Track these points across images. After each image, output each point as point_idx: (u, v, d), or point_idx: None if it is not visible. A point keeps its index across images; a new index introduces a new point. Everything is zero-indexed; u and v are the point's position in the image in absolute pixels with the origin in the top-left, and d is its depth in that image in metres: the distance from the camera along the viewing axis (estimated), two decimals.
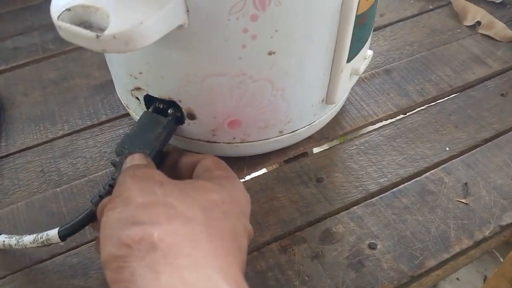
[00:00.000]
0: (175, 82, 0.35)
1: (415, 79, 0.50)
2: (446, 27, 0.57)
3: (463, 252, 0.37)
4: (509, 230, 0.38)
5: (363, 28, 0.37)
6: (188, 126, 0.38)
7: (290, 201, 0.40)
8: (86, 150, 0.44)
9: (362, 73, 0.45)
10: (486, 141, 0.44)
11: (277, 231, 0.38)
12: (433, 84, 0.50)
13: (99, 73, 0.51)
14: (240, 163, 0.42)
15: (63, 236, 0.32)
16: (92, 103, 0.48)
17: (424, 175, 0.42)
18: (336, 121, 0.45)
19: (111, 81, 0.44)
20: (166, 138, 0.35)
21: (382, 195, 0.40)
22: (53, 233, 0.32)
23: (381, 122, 0.46)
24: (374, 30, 0.56)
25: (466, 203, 0.39)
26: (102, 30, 0.27)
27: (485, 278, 0.95)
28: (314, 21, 0.32)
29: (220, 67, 0.33)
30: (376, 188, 0.40)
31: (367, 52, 0.42)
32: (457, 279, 0.96)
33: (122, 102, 0.44)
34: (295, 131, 0.40)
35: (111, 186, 0.31)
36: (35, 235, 0.33)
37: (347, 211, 0.39)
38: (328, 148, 0.44)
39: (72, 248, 0.37)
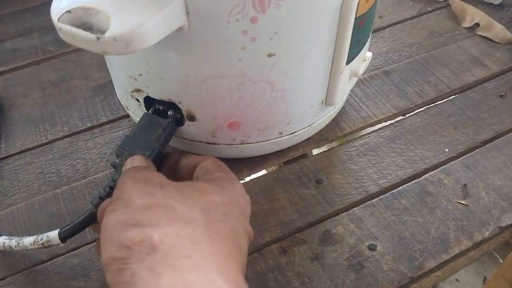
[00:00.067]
0: (175, 84, 0.35)
1: (414, 80, 0.50)
2: (445, 29, 0.57)
3: (462, 253, 0.37)
4: (508, 231, 0.39)
5: (363, 30, 0.37)
6: (188, 127, 0.38)
7: (290, 203, 0.40)
8: (86, 151, 0.44)
9: (362, 75, 0.45)
10: (485, 142, 0.44)
11: (277, 233, 0.38)
12: (432, 85, 0.50)
13: (98, 75, 0.51)
14: (240, 165, 0.42)
15: (63, 238, 0.32)
16: (92, 104, 0.48)
17: (423, 177, 0.42)
18: (335, 122, 0.46)
19: (111, 82, 0.44)
20: (166, 140, 0.35)
21: (382, 196, 0.40)
22: (54, 234, 0.32)
23: (381, 123, 0.47)
24: (373, 32, 0.56)
25: (466, 205, 0.40)
26: (102, 32, 0.27)
27: (484, 279, 0.96)
28: (313, 23, 0.33)
29: (220, 69, 0.33)
30: (375, 190, 0.41)
31: (366, 54, 0.42)
32: (457, 280, 0.97)
33: (122, 103, 0.44)
34: (294, 132, 0.40)
35: (111, 188, 0.31)
36: (35, 236, 0.33)
37: (347, 212, 0.39)
38: (328, 150, 0.44)
39: (72, 250, 0.37)
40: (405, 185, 0.41)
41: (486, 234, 0.38)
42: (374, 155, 0.43)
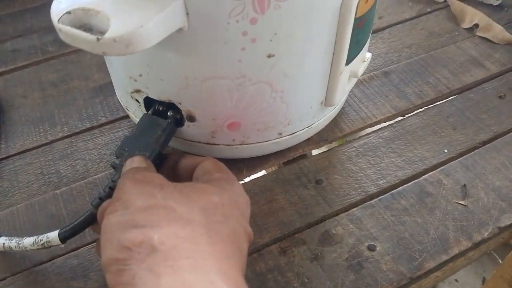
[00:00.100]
0: (175, 85, 0.35)
1: (413, 81, 0.50)
2: (444, 30, 0.57)
3: (461, 253, 0.37)
4: (507, 231, 0.39)
5: (362, 30, 0.37)
6: (188, 128, 0.38)
7: (289, 203, 0.40)
8: (85, 152, 0.44)
9: (361, 76, 0.45)
10: (484, 143, 0.44)
11: (276, 233, 0.38)
12: (431, 86, 0.50)
13: (98, 75, 0.51)
14: (239, 165, 0.42)
15: (63, 238, 0.32)
16: (92, 105, 0.48)
17: (422, 177, 0.42)
18: (335, 123, 0.46)
19: (111, 83, 0.44)
20: (166, 140, 0.35)
21: (381, 197, 0.40)
22: (54, 235, 0.32)
23: (380, 124, 0.47)
24: (373, 33, 0.56)
25: (465, 205, 0.40)
26: (102, 33, 0.27)
27: (483, 280, 0.96)
28: (313, 24, 0.33)
29: (219, 70, 0.33)
30: (375, 190, 0.41)
31: (365, 55, 0.42)
32: (456, 280, 0.97)
33: (122, 104, 0.44)
34: (294, 133, 0.41)
35: (111, 189, 0.31)
36: (35, 237, 0.33)
37: (346, 213, 0.39)
38: (327, 150, 0.44)
39: (72, 250, 0.37)
40: (405, 185, 0.41)
41: (485, 235, 0.38)
42: (373, 156, 0.43)
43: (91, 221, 0.32)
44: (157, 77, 0.35)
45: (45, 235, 0.33)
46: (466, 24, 0.57)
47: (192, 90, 0.34)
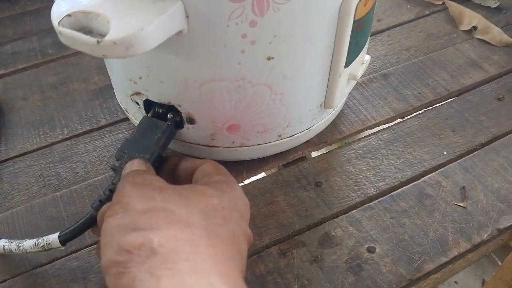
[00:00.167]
0: (175, 87, 0.35)
1: (412, 83, 0.51)
2: (443, 32, 0.57)
3: (461, 255, 0.37)
4: (506, 233, 0.39)
5: (361, 33, 0.37)
6: (187, 130, 0.38)
7: (289, 205, 0.40)
8: (85, 154, 0.44)
9: (360, 78, 0.45)
10: (483, 145, 0.45)
11: (276, 235, 0.38)
12: (430, 88, 0.50)
13: (98, 78, 0.51)
14: (239, 167, 0.42)
15: (63, 241, 0.32)
16: (91, 107, 0.48)
17: (422, 179, 0.42)
18: (334, 125, 0.46)
19: (110, 85, 0.44)
20: (166, 143, 0.35)
21: (381, 198, 0.40)
22: (54, 237, 0.32)
23: (379, 126, 0.47)
24: (372, 35, 0.56)
25: (464, 207, 0.40)
26: (102, 35, 0.27)
27: (483, 282, 0.96)
28: (312, 27, 0.33)
29: (219, 72, 0.33)
30: (374, 192, 0.41)
31: (364, 57, 0.42)
32: (456, 282, 0.97)
33: (122, 106, 0.44)
34: (293, 135, 0.41)
35: (111, 191, 0.31)
36: (35, 239, 0.33)
37: (346, 215, 0.39)
38: (327, 152, 0.44)
39: (72, 252, 0.37)
40: (404, 187, 0.41)
41: (485, 236, 0.38)
42: (372, 158, 0.43)
43: (91, 223, 0.32)
44: (157, 79, 0.35)
45: (45, 238, 0.33)
46: (465, 27, 0.57)
47: (192, 92, 0.34)
